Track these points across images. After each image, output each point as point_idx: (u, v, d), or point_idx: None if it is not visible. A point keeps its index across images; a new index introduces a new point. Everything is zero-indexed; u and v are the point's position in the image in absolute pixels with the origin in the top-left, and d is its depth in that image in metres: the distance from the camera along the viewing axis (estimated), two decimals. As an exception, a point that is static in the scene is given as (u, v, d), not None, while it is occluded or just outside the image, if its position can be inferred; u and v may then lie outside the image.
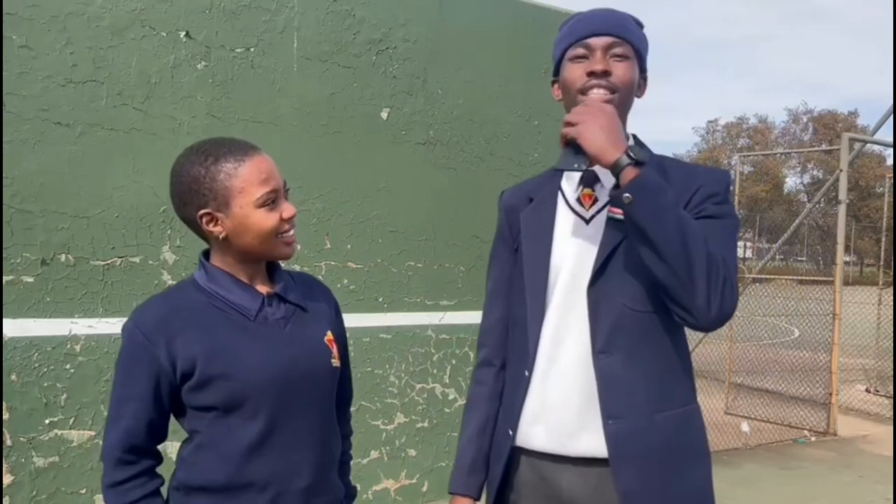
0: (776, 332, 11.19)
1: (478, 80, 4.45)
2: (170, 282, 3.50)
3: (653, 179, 1.35)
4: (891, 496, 4.74)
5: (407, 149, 4.22)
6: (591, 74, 1.47)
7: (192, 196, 1.41)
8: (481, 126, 4.47)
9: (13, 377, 3.18)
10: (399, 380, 4.16)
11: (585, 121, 1.38)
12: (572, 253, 1.51)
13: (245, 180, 1.39)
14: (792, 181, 52.70)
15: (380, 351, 4.04)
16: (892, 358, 7.92)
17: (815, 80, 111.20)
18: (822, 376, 6.97)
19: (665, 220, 1.33)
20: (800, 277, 10.53)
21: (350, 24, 4.03)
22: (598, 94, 1.47)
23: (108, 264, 3.38)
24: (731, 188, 1.55)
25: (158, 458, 1.47)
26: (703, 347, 6.97)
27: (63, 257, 3.28)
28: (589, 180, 1.53)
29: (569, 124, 1.40)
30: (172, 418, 1.48)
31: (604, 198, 1.52)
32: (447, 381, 4.34)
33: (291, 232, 1.46)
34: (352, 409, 1.76)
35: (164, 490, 1.47)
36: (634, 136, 1.58)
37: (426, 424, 4.27)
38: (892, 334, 7.73)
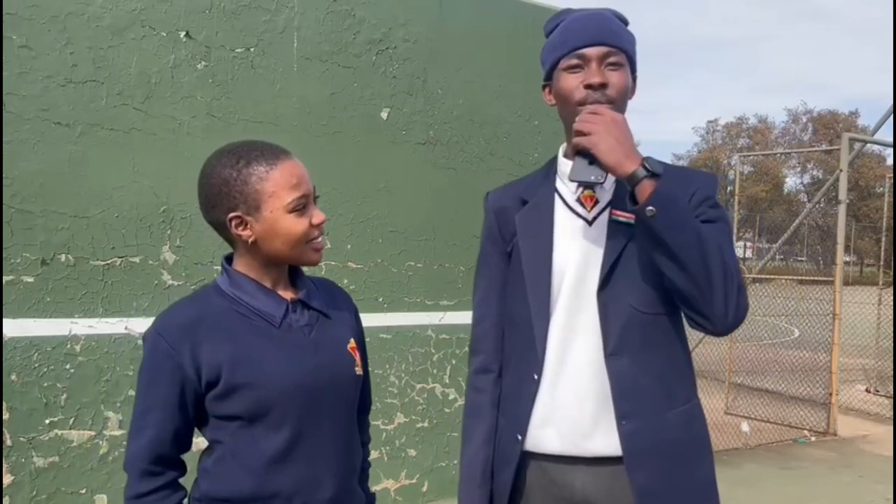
0: (776, 332, 11.19)
1: (478, 80, 4.45)
2: (170, 282, 3.50)
3: (671, 191, 1.37)
4: (891, 496, 4.74)
5: (407, 149, 4.22)
6: (588, 87, 1.47)
7: (221, 199, 1.39)
8: (481, 126, 4.47)
9: (13, 377, 3.18)
10: (399, 380, 4.16)
11: (599, 131, 1.38)
12: (576, 254, 1.51)
13: (276, 184, 1.37)
14: (792, 181, 52.74)
15: (380, 351, 4.04)
16: (892, 358, 7.92)
17: (815, 80, 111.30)
18: (822, 376, 6.96)
19: (685, 232, 1.36)
20: (800, 277, 10.53)
21: (350, 24, 4.03)
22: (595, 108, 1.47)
23: (108, 264, 3.38)
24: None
25: (183, 469, 1.45)
26: (703, 347, 6.97)
27: (63, 257, 3.28)
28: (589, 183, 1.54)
29: (580, 133, 1.41)
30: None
31: (605, 199, 1.53)
32: (447, 381, 4.34)
33: (320, 238, 1.45)
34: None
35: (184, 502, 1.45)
36: None
37: (426, 424, 4.27)
38: (892, 334, 7.73)
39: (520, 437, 1.53)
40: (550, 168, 1.64)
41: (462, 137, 4.41)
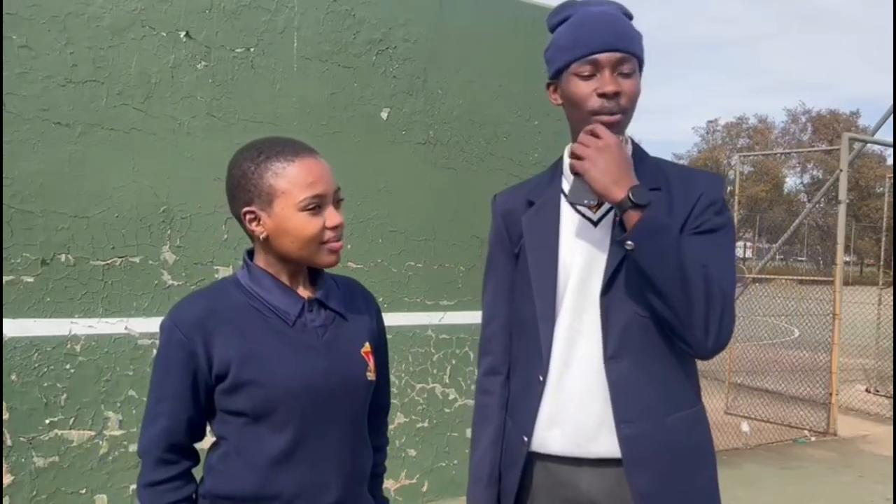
0: (776, 332, 11.18)
1: (478, 80, 4.45)
2: (170, 282, 3.50)
3: (655, 223, 1.38)
4: (891, 496, 4.74)
5: (407, 149, 4.22)
6: (602, 96, 1.46)
7: (238, 191, 1.39)
8: (481, 126, 4.47)
9: (13, 377, 3.18)
10: (399, 380, 4.16)
11: (591, 157, 1.41)
12: (581, 255, 1.51)
13: (290, 181, 1.36)
14: (792, 181, 52.74)
15: (380, 351, 4.03)
16: (892, 358, 7.92)
17: (815, 80, 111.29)
18: (822, 376, 6.96)
19: (666, 266, 1.38)
20: (800, 277, 10.53)
21: (350, 24, 4.03)
22: (608, 118, 1.47)
23: (108, 264, 3.38)
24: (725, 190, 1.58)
25: (196, 459, 1.45)
26: (703, 347, 6.94)
27: (63, 257, 3.28)
28: None
29: (576, 156, 1.43)
30: None
31: None
32: (447, 381, 4.34)
33: (338, 241, 1.42)
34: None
35: None
36: (631, 140, 1.58)
37: (426, 424, 4.27)
38: (892, 334, 7.73)
39: (526, 439, 1.53)
40: (556, 169, 1.63)
41: (462, 137, 4.41)
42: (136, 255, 3.44)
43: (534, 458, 1.54)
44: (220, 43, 3.64)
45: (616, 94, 1.46)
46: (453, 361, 4.35)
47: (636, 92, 1.49)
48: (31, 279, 3.21)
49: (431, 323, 4.29)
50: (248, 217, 1.39)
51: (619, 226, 1.44)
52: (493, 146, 4.52)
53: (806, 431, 6.66)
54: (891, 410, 7.51)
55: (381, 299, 4.63)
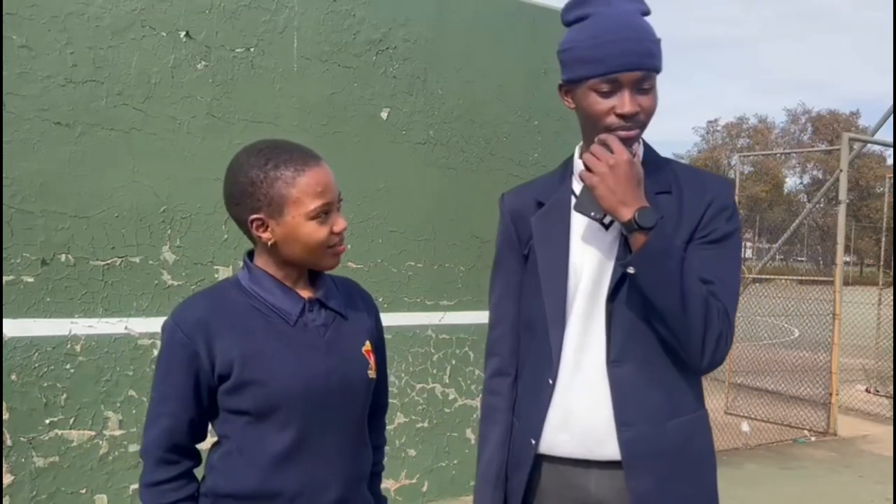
0: (776, 332, 11.18)
1: (478, 80, 4.45)
2: (170, 282, 3.50)
3: (658, 247, 1.38)
4: (891, 496, 4.74)
5: (407, 149, 4.22)
6: (621, 116, 1.44)
7: (245, 198, 1.40)
8: (481, 126, 4.47)
9: (13, 377, 3.18)
10: (399, 380, 4.16)
11: (602, 173, 1.40)
12: (592, 259, 1.50)
13: (301, 191, 1.37)
14: (792, 181, 52.74)
15: (380, 351, 4.03)
16: (892, 358, 7.91)
17: (815, 80, 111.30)
18: (822, 376, 6.96)
19: (666, 292, 1.39)
20: (800, 277, 10.52)
21: (350, 24, 4.03)
22: (624, 133, 1.45)
23: (108, 264, 3.38)
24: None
25: (198, 459, 1.46)
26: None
27: (63, 257, 3.28)
28: None
29: (587, 168, 1.43)
30: None
31: None
32: (447, 381, 4.34)
33: (342, 245, 1.45)
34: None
35: None
36: (643, 141, 1.57)
37: (426, 424, 4.27)
38: (892, 334, 7.73)
39: (534, 442, 1.53)
40: (566, 169, 1.61)
41: (462, 137, 4.41)
42: (136, 255, 3.43)
43: (541, 460, 1.54)
44: (220, 43, 3.64)
45: (635, 114, 1.44)
46: (453, 361, 4.35)
47: (654, 106, 1.47)
48: (31, 279, 3.21)
49: (431, 323, 4.28)
50: (255, 224, 1.40)
51: (624, 244, 1.44)
52: (493, 146, 4.51)
53: (806, 431, 6.66)
54: (891, 410, 7.51)
55: (381, 299, 4.64)
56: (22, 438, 3.19)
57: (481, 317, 4.35)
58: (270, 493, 1.39)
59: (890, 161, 41.97)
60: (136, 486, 1.47)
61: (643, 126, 1.47)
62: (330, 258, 1.44)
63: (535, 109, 4.61)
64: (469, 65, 4.42)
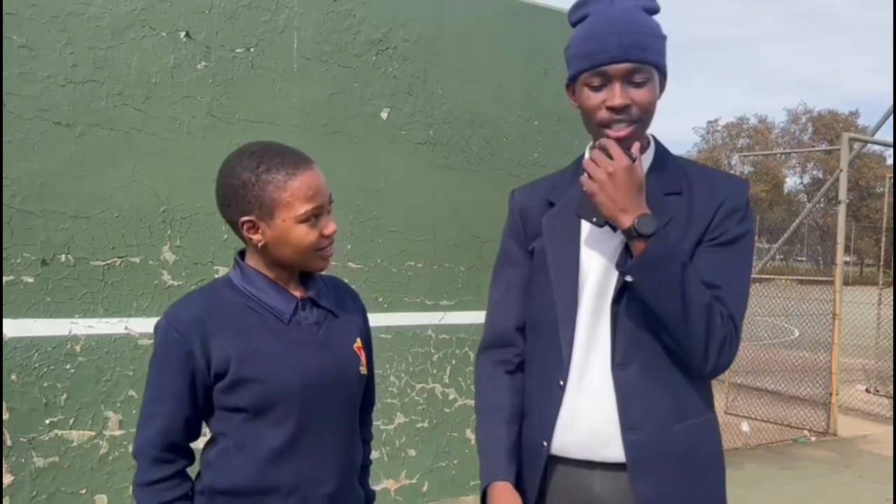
0: (776, 332, 11.18)
1: (478, 80, 4.45)
2: (170, 282, 3.50)
3: (656, 255, 1.38)
4: (891, 496, 4.74)
5: (407, 149, 4.22)
6: (610, 109, 1.44)
7: (237, 200, 1.42)
8: (481, 126, 4.47)
9: (13, 377, 3.18)
10: (399, 380, 4.16)
11: (601, 181, 1.40)
12: (599, 260, 1.50)
13: (292, 195, 1.39)
14: (792, 181, 52.73)
15: (380, 351, 4.03)
16: (892, 358, 7.91)
17: (815, 80, 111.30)
18: (822, 376, 6.96)
19: (665, 300, 1.39)
20: (800, 277, 10.52)
21: (350, 24, 4.03)
22: (618, 132, 1.44)
23: (108, 264, 3.38)
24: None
25: (192, 458, 1.48)
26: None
27: (63, 257, 3.28)
28: None
29: (589, 175, 1.42)
30: None
31: None
32: (447, 381, 4.34)
33: (330, 248, 1.47)
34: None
35: None
36: (654, 137, 1.56)
37: (426, 424, 4.27)
38: (892, 334, 7.73)
39: (546, 444, 1.53)
40: (578, 167, 1.60)
41: (462, 137, 4.41)
42: (136, 255, 3.43)
43: (550, 460, 1.54)
44: (220, 43, 3.64)
45: (625, 107, 1.43)
46: (453, 361, 4.35)
47: (649, 100, 1.45)
48: (31, 279, 3.21)
49: (431, 323, 4.28)
50: (245, 226, 1.42)
51: (625, 249, 1.44)
52: (493, 146, 4.51)
53: (806, 431, 6.66)
54: (891, 410, 7.51)
55: (381, 299, 4.65)
56: (22, 438, 3.19)
57: (481, 317, 4.35)
58: (267, 488, 1.41)
59: (890, 161, 41.99)
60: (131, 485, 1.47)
61: (638, 121, 1.45)
62: (319, 261, 1.47)
63: (535, 109, 4.60)
64: (469, 65, 4.42)
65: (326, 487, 1.46)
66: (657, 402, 1.46)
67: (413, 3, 4.24)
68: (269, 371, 1.40)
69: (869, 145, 8.78)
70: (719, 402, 7.04)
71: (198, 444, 1.48)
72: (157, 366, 1.42)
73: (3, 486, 3.14)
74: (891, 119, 7.45)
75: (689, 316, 1.38)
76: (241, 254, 1.51)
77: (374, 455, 4.39)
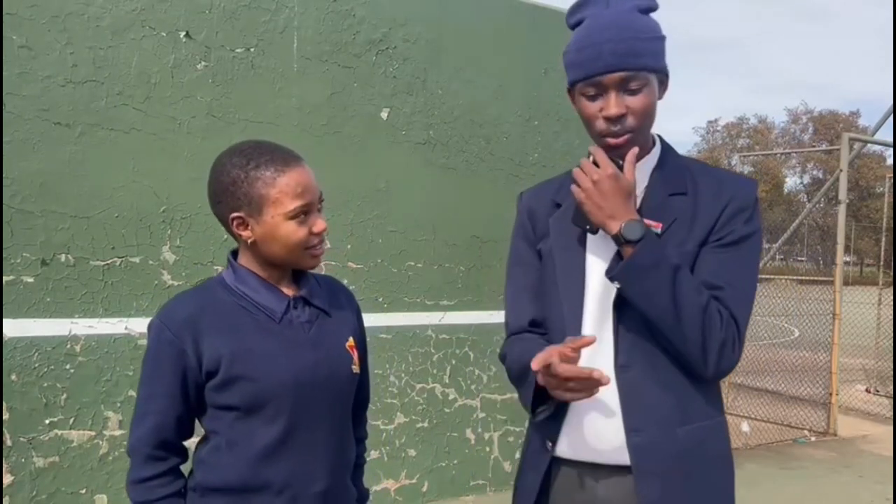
0: (776, 332, 11.18)
1: (478, 80, 4.45)
2: (170, 282, 3.50)
3: (643, 260, 1.39)
4: (891, 496, 4.74)
5: (407, 149, 4.22)
6: (607, 119, 1.44)
7: (226, 197, 1.44)
8: (481, 126, 4.47)
9: (13, 377, 3.18)
10: (399, 380, 4.16)
11: (588, 189, 1.42)
12: (603, 263, 1.50)
13: (281, 191, 1.40)
14: (792, 181, 52.72)
15: (380, 351, 4.04)
16: (892, 358, 7.91)
17: (816, 80, 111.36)
18: (822, 376, 6.96)
19: (654, 304, 1.39)
20: (800, 277, 10.52)
21: (350, 24, 4.03)
22: (614, 140, 1.45)
23: (108, 264, 3.38)
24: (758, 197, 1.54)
25: (185, 456, 1.49)
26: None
27: (63, 257, 3.28)
28: None
29: (578, 184, 1.44)
30: None
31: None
32: (447, 381, 4.34)
33: (320, 246, 1.48)
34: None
35: None
36: (660, 137, 1.56)
37: (426, 424, 4.27)
38: (892, 334, 7.73)
39: (550, 445, 1.53)
40: None
41: (462, 137, 4.41)
42: (136, 255, 3.43)
43: (554, 462, 1.54)
44: (220, 43, 3.64)
45: (621, 116, 1.43)
46: (453, 361, 4.35)
47: (646, 107, 1.44)
48: (31, 279, 3.21)
49: (431, 323, 4.28)
50: (235, 222, 1.44)
51: (617, 255, 1.45)
52: (493, 146, 4.51)
53: (806, 431, 6.66)
54: (891, 410, 7.51)
55: (381, 299, 4.64)
56: (22, 438, 3.19)
57: (481, 317, 4.34)
58: (259, 485, 1.42)
59: (890, 161, 41.98)
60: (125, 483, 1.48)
61: (635, 129, 1.45)
62: (308, 259, 1.47)
63: (535, 109, 4.60)
64: (469, 65, 4.42)
65: (318, 485, 1.46)
66: (660, 405, 1.45)
67: (413, 3, 4.24)
68: (261, 369, 1.41)
69: (869, 145, 8.78)
70: (719, 402, 7.05)
71: (191, 442, 1.49)
72: (149, 364, 1.44)
73: (3, 486, 3.14)
74: (891, 119, 7.45)
75: (682, 319, 1.38)
76: (234, 253, 1.53)
77: (374, 455, 4.41)
